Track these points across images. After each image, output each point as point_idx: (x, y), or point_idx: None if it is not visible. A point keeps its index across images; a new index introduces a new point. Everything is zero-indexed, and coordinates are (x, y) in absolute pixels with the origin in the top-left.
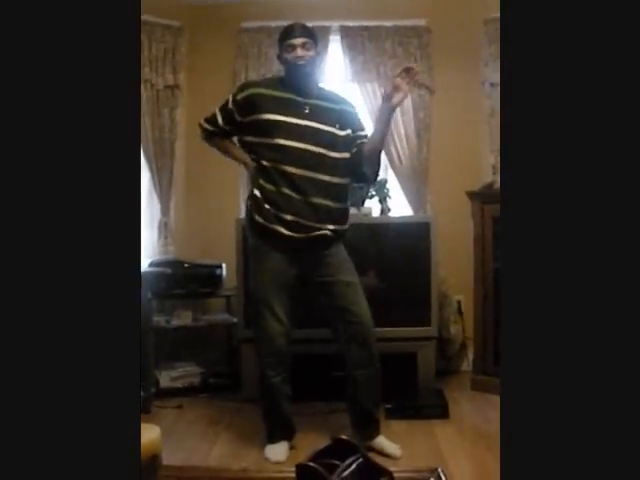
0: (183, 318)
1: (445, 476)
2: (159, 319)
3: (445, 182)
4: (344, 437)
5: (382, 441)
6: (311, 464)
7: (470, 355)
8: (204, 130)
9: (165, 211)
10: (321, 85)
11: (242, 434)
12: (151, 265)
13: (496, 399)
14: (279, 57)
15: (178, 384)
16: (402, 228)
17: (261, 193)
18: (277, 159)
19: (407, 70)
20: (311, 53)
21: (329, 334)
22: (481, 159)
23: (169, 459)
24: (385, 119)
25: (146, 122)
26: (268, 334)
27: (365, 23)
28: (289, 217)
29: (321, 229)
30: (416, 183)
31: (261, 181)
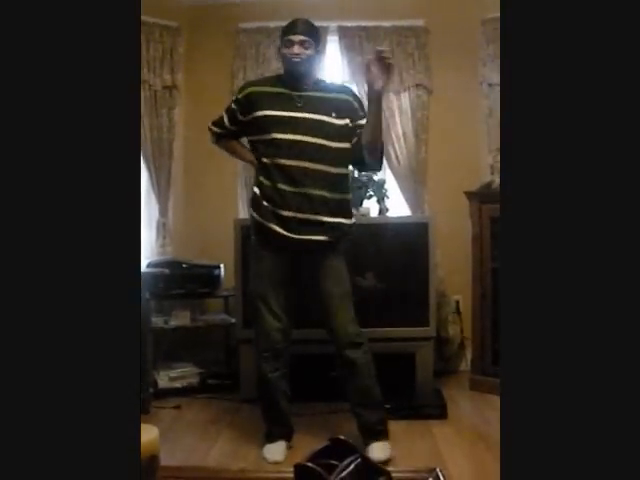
0: (181, 318)
1: (443, 476)
2: (157, 319)
3: (443, 182)
4: (342, 437)
5: (372, 447)
6: (309, 464)
7: (468, 355)
8: (213, 133)
9: (163, 211)
10: (319, 78)
11: (240, 434)
12: (149, 265)
13: (495, 399)
14: (279, 50)
15: (176, 384)
16: (400, 228)
17: (260, 190)
18: (273, 154)
19: (378, 56)
20: (309, 52)
21: (325, 334)
22: (479, 159)
23: (167, 459)
24: (373, 109)
25: (144, 122)
26: (265, 329)
27: (363, 23)
28: (285, 213)
29: (319, 222)
30: (414, 183)
31: (260, 178)
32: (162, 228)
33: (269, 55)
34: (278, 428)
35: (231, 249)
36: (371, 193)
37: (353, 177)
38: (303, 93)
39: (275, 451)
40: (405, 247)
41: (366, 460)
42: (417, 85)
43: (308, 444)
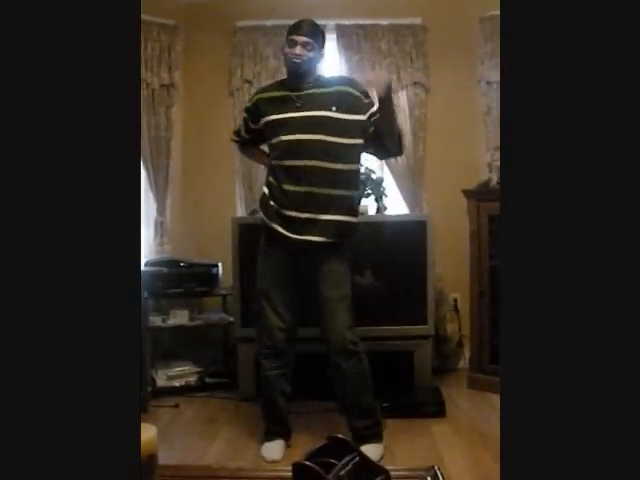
0: (179, 317)
1: (442, 474)
2: (155, 318)
3: (441, 180)
4: (340, 436)
5: (362, 448)
6: (307, 463)
7: (467, 353)
8: (234, 142)
9: (161, 210)
10: (319, 74)
11: (239, 433)
12: (147, 264)
13: (493, 397)
14: (283, 48)
15: (175, 383)
16: (398, 226)
17: (268, 190)
18: (279, 155)
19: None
20: (310, 54)
21: (320, 334)
22: (477, 157)
23: (166, 458)
24: (383, 100)
25: (142, 121)
26: (267, 327)
27: (361, 22)
28: (289, 213)
29: (322, 222)
30: (412, 181)
31: (270, 179)
32: (160, 227)
33: (266, 53)
34: (276, 427)
35: (229, 248)
36: (369, 191)
37: None
38: (302, 92)
39: (273, 450)
40: (403, 245)
41: (364, 459)
42: (415, 83)
43: (306, 443)
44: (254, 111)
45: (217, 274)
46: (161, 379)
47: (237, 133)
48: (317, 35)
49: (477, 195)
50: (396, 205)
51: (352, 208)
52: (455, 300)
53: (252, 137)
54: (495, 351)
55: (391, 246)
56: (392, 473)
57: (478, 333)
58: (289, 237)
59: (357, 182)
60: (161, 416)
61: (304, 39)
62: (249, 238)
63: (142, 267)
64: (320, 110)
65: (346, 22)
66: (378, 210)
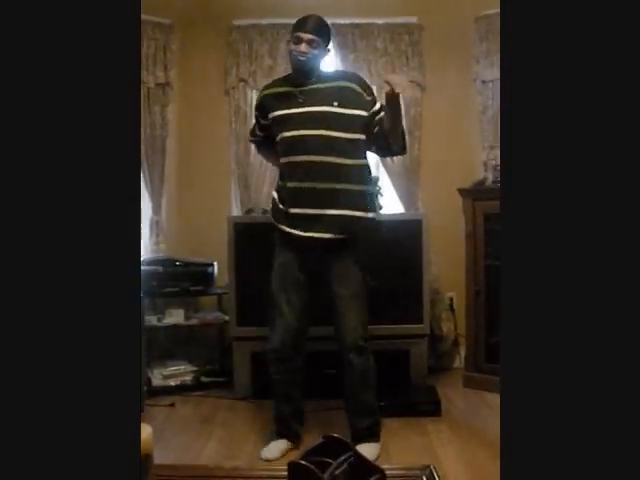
0: (175, 316)
1: (437, 473)
2: (151, 317)
3: (437, 179)
4: (336, 435)
5: (359, 447)
6: (303, 462)
7: (462, 352)
8: (252, 142)
9: (156, 209)
10: (322, 70)
11: (234, 432)
12: (143, 263)
13: (488, 396)
14: (288, 43)
15: (170, 382)
16: (394, 225)
17: (277, 194)
18: (283, 152)
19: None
20: (315, 52)
21: (320, 331)
22: (472, 156)
23: (161, 458)
24: (390, 104)
25: None
26: (273, 329)
27: (356, 20)
28: (293, 210)
29: (328, 217)
30: (408, 180)
31: (278, 179)
32: (155, 226)
33: (262, 52)
34: (280, 428)
35: (224, 247)
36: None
37: None
38: (304, 88)
39: (271, 449)
40: (399, 244)
41: (360, 458)
42: (410, 82)
43: (302, 441)
44: (262, 107)
45: (212, 273)
46: (157, 378)
47: (253, 133)
48: (323, 32)
49: (473, 194)
50: (392, 204)
51: (360, 203)
52: (451, 299)
53: (266, 134)
54: (490, 350)
55: (387, 245)
56: (387, 472)
57: (474, 332)
58: (296, 235)
59: (364, 176)
60: (156, 415)
61: (309, 36)
62: (245, 237)
63: None
64: (322, 105)
65: (342, 21)
66: None
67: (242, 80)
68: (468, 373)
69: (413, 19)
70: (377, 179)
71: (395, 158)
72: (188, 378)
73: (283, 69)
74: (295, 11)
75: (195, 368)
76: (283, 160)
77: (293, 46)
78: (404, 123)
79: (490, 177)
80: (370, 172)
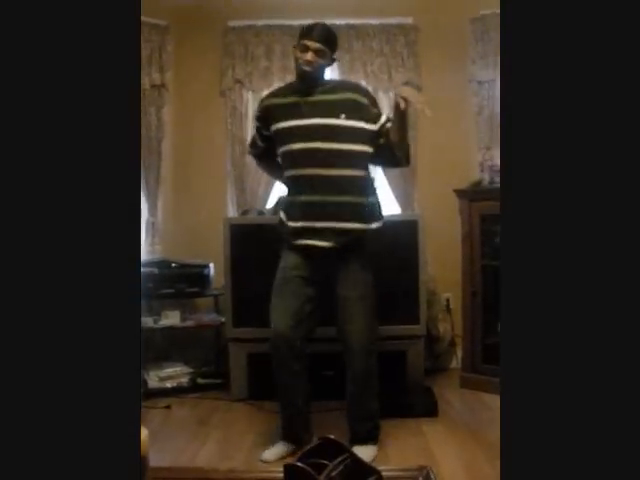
0: (171, 318)
1: (434, 474)
2: (147, 319)
3: (433, 180)
4: (332, 437)
5: (356, 448)
6: (299, 464)
7: (459, 353)
8: (252, 155)
9: (152, 211)
10: (327, 78)
11: (231, 434)
12: None
13: (485, 396)
14: (294, 48)
15: (166, 384)
16: (390, 226)
17: (285, 208)
18: (289, 165)
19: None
20: (322, 61)
21: (318, 333)
22: (468, 157)
23: (157, 460)
24: (398, 115)
25: None
26: (272, 334)
27: (352, 21)
28: (300, 224)
29: (333, 230)
30: (404, 181)
31: (286, 196)
32: (151, 227)
33: (258, 53)
34: (283, 429)
35: (220, 248)
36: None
37: None
38: (309, 99)
39: (270, 451)
40: (395, 245)
41: (356, 459)
42: (406, 83)
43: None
44: (265, 118)
45: (209, 274)
46: (153, 380)
47: (253, 145)
48: (330, 41)
49: (469, 195)
50: (388, 205)
51: (366, 214)
52: (447, 300)
53: (268, 146)
54: (487, 351)
55: (383, 246)
56: (384, 473)
57: (470, 333)
58: (303, 244)
59: (370, 188)
60: (153, 417)
61: (317, 45)
62: (241, 238)
63: None
64: (328, 117)
65: (337, 22)
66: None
67: (238, 81)
68: (465, 374)
69: (409, 20)
70: (373, 180)
71: None
72: (184, 380)
73: (279, 70)
74: (291, 12)
75: (191, 370)
76: (290, 173)
77: (299, 54)
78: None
79: (486, 178)
80: (373, 183)
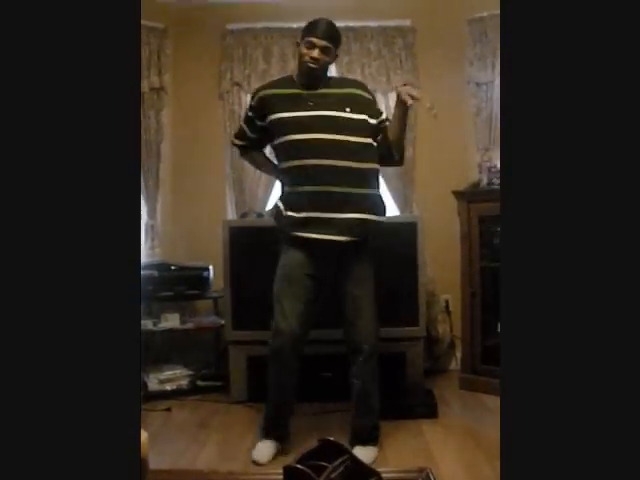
0: (171, 321)
1: (433, 476)
2: (146, 322)
3: (431, 181)
4: (332, 439)
5: (357, 449)
6: (298, 466)
7: (458, 354)
8: (236, 146)
9: (151, 213)
10: (329, 75)
11: (231, 437)
12: None
13: (485, 398)
14: (297, 45)
15: (166, 387)
16: (389, 228)
17: (282, 199)
18: (292, 156)
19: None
20: (327, 58)
21: (317, 334)
22: (467, 158)
23: (157, 463)
24: (399, 112)
25: None
26: (274, 331)
27: (350, 24)
28: (306, 214)
29: (342, 221)
30: (402, 183)
31: (283, 185)
32: (150, 230)
33: (256, 56)
34: (269, 427)
35: (220, 250)
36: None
37: None
38: (315, 92)
39: (262, 451)
40: (394, 247)
41: (356, 461)
42: (405, 85)
43: (298, 445)
44: (259, 108)
45: (208, 277)
46: (153, 383)
47: (241, 136)
48: (335, 38)
49: (467, 196)
50: (386, 206)
51: (372, 206)
52: (446, 301)
53: (259, 137)
54: (487, 352)
55: (381, 247)
56: (384, 475)
57: (470, 334)
58: (309, 238)
59: (375, 180)
60: (153, 420)
61: (323, 43)
62: (240, 241)
63: None
64: (334, 110)
65: (336, 24)
66: None
67: (236, 84)
68: (464, 375)
69: (407, 22)
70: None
71: None
72: (184, 382)
73: (277, 72)
74: (289, 15)
75: (191, 372)
76: (292, 164)
77: (305, 50)
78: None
79: (485, 179)
80: (378, 175)
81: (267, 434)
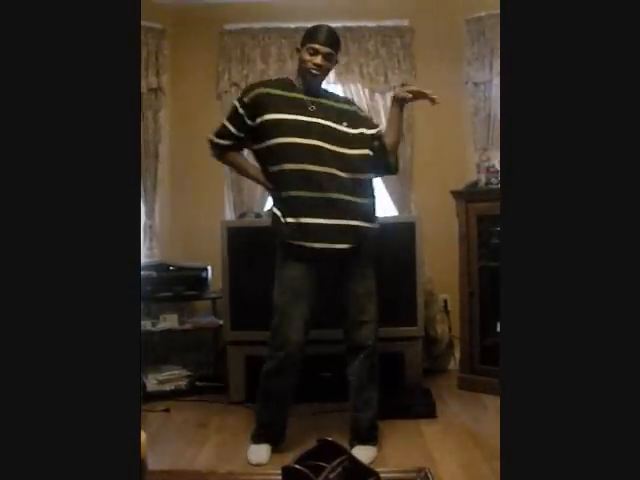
0: (169, 321)
1: (432, 475)
2: (145, 322)
3: (429, 181)
4: (330, 439)
5: (357, 448)
6: (297, 466)
7: (457, 354)
8: (216, 146)
9: (150, 214)
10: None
11: (229, 437)
12: None
13: (484, 397)
14: (298, 51)
15: (165, 387)
16: (387, 228)
17: (280, 206)
18: (291, 159)
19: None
20: (329, 64)
21: (317, 335)
22: (465, 158)
23: (156, 463)
24: (396, 113)
25: None
26: (282, 342)
27: (348, 24)
28: (306, 220)
29: (344, 227)
30: (400, 183)
31: (281, 192)
32: (149, 231)
33: (254, 56)
34: (264, 430)
35: (218, 251)
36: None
37: None
38: (315, 99)
39: (259, 453)
40: (392, 247)
41: (354, 461)
42: (402, 85)
43: (296, 445)
44: (253, 107)
45: (206, 277)
46: (151, 384)
47: (223, 134)
48: (336, 44)
49: (466, 196)
50: (385, 207)
51: (368, 214)
52: (445, 301)
53: (245, 136)
54: (485, 352)
55: (380, 248)
56: (382, 475)
57: (468, 334)
58: (310, 247)
59: (371, 190)
60: (152, 421)
61: (327, 50)
62: (238, 241)
63: None
64: (333, 122)
65: (333, 24)
66: None
67: (234, 84)
68: (463, 375)
69: (404, 22)
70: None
71: None
72: (183, 383)
73: (275, 73)
74: (287, 15)
75: (190, 373)
76: (287, 167)
77: (308, 57)
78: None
79: (483, 179)
80: (372, 185)
81: (262, 440)
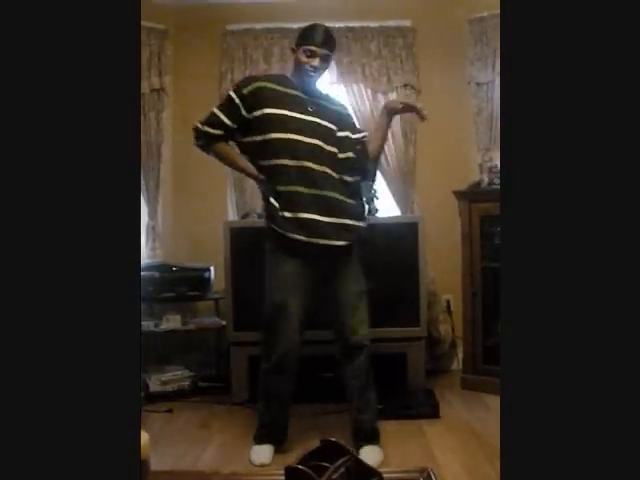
0: (172, 322)
1: (435, 476)
2: (148, 323)
3: (432, 182)
4: (333, 439)
5: (365, 450)
6: (300, 467)
7: (460, 354)
8: (204, 134)
9: (152, 214)
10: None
11: (232, 438)
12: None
13: (486, 397)
14: (293, 51)
15: (168, 388)
16: (390, 229)
17: (276, 199)
18: (289, 154)
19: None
20: (326, 65)
21: (318, 335)
22: (468, 158)
23: (158, 464)
24: (384, 124)
25: None
26: (282, 340)
27: (350, 24)
28: (303, 215)
29: (340, 225)
30: (403, 183)
31: (277, 186)
32: (151, 231)
33: (256, 57)
34: (266, 431)
35: (221, 251)
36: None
37: None
38: (313, 99)
39: (261, 454)
40: (395, 247)
41: (357, 461)
42: (405, 85)
43: (298, 446)
44: (251, 99)
45: (209, 278)
46: (154, 384)
47: (213, 124)
48: (332, 44)
49: (469, 196)
50: (387, 207)
51: (360, 214)
52: (448, 301)
53: (237, 128)
54: (488, 352)
55: (383, 248)
56: (385, 475)
57: (471, 334)
58: (309, 242)
59: (359, 192)
60: (154, 422)
61: (324, 51)
62: (241, 242)
63: None
64: (329, 122)
65: (336, 24)
66: (369, 212)
67: None
68: (466, 375)
69: (407, 22)
70: (372, 184)
71: (391, 161)
72: (186, 383)
73: (278, 73)
74: (289, 16)
75: (192, 373)
76: (283, 162)
77: (305, 59)
78: (398, 127)
79: (485, 179)
80: (360, 187)
81: (264, 440)
